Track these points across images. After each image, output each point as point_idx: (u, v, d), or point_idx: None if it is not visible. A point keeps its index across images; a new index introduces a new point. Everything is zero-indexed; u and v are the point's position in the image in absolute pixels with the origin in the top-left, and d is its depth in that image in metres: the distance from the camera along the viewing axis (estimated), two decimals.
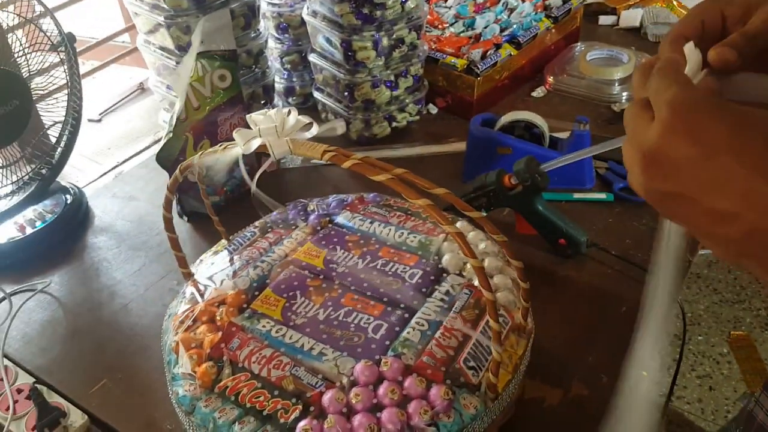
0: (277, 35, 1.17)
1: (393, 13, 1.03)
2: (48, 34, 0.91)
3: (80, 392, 0.74)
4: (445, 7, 1.33)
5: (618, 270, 0.86)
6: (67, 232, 0.98)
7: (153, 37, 1.01)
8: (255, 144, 0.56)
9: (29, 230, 0.95)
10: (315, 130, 0.58)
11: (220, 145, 0.60)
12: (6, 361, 0.77)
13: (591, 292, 0.83)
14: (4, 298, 0.86)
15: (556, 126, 1.02)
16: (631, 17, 1.46)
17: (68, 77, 0.97)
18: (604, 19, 1.49)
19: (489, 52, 1.17)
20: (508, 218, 0.91)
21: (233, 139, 0.58)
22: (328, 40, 1.07)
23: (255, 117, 0.57)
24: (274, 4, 1.14)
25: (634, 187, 0.39)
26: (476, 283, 0.67)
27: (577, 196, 0.98)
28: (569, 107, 1.20)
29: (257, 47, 1.05)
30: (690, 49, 0.42)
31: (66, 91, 0.99)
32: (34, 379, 0.75)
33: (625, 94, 1.20)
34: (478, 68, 1.14)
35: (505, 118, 1.00)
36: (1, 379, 0.74)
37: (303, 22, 1.16)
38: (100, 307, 0.86)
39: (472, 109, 1.17)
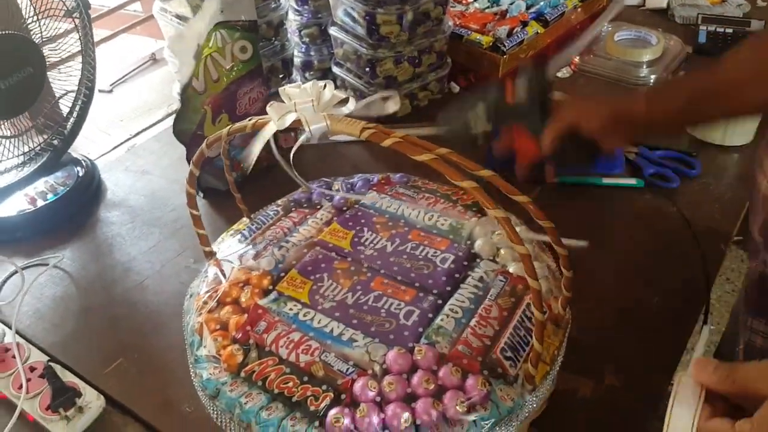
0: (296, 7, 1.13)
1: None
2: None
3: (95, 371, 0.72)
4: None
5: (649, 250, 0.83)
6: (79, 205, 0.95)
7: (169, 4, 0.97)
8: (290, 119, 0.53)
9: (40, 203, 0.92)
10: (352, 105, 0.55)
11: (250, 120, 0.57)
12: (18, 338, 0.75)
13: (620, 281, 0.81)
14: (15, 272, 0.84)
15: None
16: None
17: (82, 45, 0.93)
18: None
19: (515, 30, 1.14)
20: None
21: (252, 114, 0.55)
22: (350, 14, 1.03)
23: (289, 90, 0.54)
24: None
25: None
26: (511, 269, 0.64)
27: (606, 181, 0.95)
28: (595, 88, 1.16)
29: (277, 18, 1.01)
30: None
31: (79, 60, 0.95)
32: (47, 357, 0.72)
33: (652, 76, 1.17)
34: (504, 46, 1.10)
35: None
36: (14, 357, 0.72)
37: None
38: (114, 284, 0.83)
39: None
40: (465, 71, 1.17)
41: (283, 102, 0.54)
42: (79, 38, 0.92)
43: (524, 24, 1.15)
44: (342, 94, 0.54)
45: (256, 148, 0.55)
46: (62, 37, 0.90)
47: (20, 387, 0.69)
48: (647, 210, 0.91)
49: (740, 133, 1.00)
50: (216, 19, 0.87)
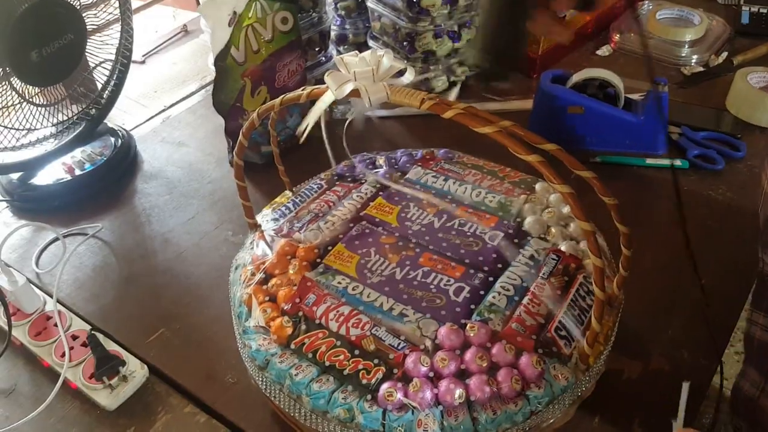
0: None
1: None
2: None
3: (137, 341, 0.72)
4: None
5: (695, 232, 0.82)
6: (117, 175, 0.95)
7: None
8: (348, 88, 0.51)
9: (78, 172, 0.92)
10: (411, 75, 0.54)
11: (303, 89, 0.56)
12: (59, 306, 0.75)
13: (666, 263, 0.79)
14: (55, 240, 0.84)
15: (630, 86, 0.96)
16: None
17: (121, 11, 0.92)
18: None
19: None
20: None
21: (291, 87, 0.54)
22: None
23: (348, 59, 0.53)
24: None
25: None
26: (563, 247, 0.63)
27: (650, 161, 0.93)
28: (636, 68, 1.14)
29: None
30: None
31: (117, 27, 0.94)
32: (89, 326, 0.72)
33: (695, 57, 1.14)
34: None
35: (578, 76, 0.94)
36: (56, 325, 0.72)
37: None
38: (155, 255, 0.83)
39: (535, 66, 1.11)
40: None
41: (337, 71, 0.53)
42: (118, 6, 0.91)
43: None
44: (400, 64, 0.53)
45: (311, 119, 0.54)
46: (102, 2, 0.88)
47: (63, 355, 0.69)
48: (692, 191, 0.89)
49: None
50: None
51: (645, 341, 0.70)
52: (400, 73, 0.53)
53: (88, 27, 0.87)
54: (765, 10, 1.25)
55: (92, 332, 0.70)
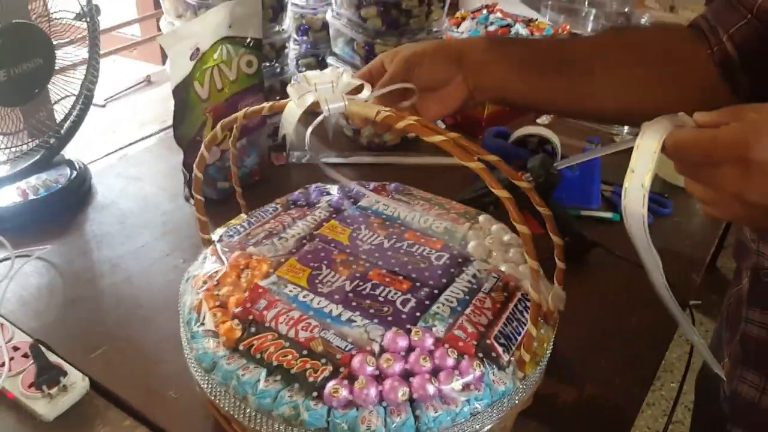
0: (296, 36, 1.19)
1: (417, 22, 1.06)
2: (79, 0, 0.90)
3: (79, 356, 0.71)
4: (458, 32, 1.37)
5: (625, 275, 0.87)
6: (70, 203, 0.95)
7: (179, 21, 1.01)
8: (309, 99, 0.56)
9: (31, 196, 0.92)
10: (367, 92, 0.58)
11: (268, 103, 0.60)
12: (2, 320, 0.73)
13: (600, 296, 0.84)
14: (7, 258, 0.83)
15: (567, 144, 1.04)
16: None
17: (89, 49, 0.96)
18: None
19: None
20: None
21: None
22: (350, 43, 1.09)
23: (309, 74, 0.57)
24: (297, 5, 1.16)
25: (720, 213, 0.49)
26: (503, 268, 0.67)
27: (584, 213, 1.00)
28: (573, 131, 1.23)
29: (280, 42, 1.06)
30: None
31: (83, 67, 0.98)
32: (31, 339, 0.71)
33: (626, 128, 1.24)
34: None
35: (519, 132, 1.02)
36: None
37: (324, 26, 1.18)
38: (102, 278, 0.83)
39: (480, 127, 1.19)
40: None
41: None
42: (87, 42, 0.95)
43: None
44: (357, 81, 0.58)
45: (287, 128, 0.57)
46: (75, 42, 0.92)
47: (2, 365, 0.67)
48: (624, 241, 0.95)
49: None
50: (223, 32, 0.91)
51: (579, 368, 0.74)
52: (357, 90, 0.58)
53: (57, 58, 0.90)
54: None
55: (36, 341, 0.69)
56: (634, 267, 0.90)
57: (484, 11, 1.43)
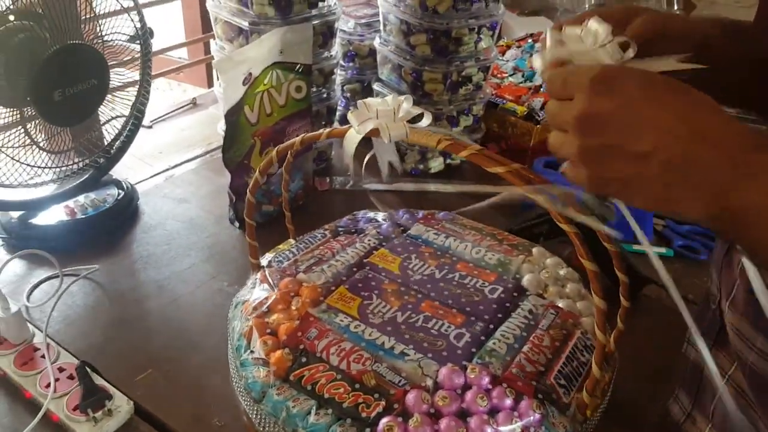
0: (342, 63, 1.19)
1: (466, 50, 1.05)
2: (133, 21, 0.91)
3: (125, 379, 0.70)
4: (503, 60, 1.36)
5: (680, 312, 0.84)
6: (117, 223, 0.96)
7: (230, 44, 1.02)
8: (370, 125, 0.55)
9: (79, 215, 0.93)
10: (428, 120, 0.57)
11: (327, 129, 0.59)
12: (48, 339, 0.73)
13: (655, 335, 0.81)
14: (50, 277, 0.83)
15: None
16: None
17: (141, 71, 0.97)
18: None
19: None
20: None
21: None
22: (397, 70, 1.08)
23: (370, 101, 0.56)
24: (345, 32, 1.16)
25: (566, 154, 0.47)
26: (560, 304, 0.65)
27: (636, 247, 0.96)
28: None
29: (329, 68, 1.06)
30: (598, 20, 0.48)
31: (135, 87, 0.99)
32: (77, 360, 0.71)
33: None
34: (538, 116, 1.15)
35: None
36: (43, 356, 0.71)
37: (370, 53, 1.18)
38: (148, 299, 0.83)
39: (526, 156, 1.17)
40: (497, 138, 1.21)
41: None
42: (140, 64, 0.96)
43: None
44: (418, 109, 0.57)
45: (347, 158, 0.56)
46: (127, 63, 0.93)
47: (47, 386, 0.67)
48: (677, 278, 0.92)
49: None
50: (274, 58, 0.91)
51: (637, 410, 0.71)
52: (419, 118, 0.57)
53: (111, 78, 0.91)
54: None
55: (82, 363, 0.68)
56: (689, 305, 0.88)
57: (530, 40, 1.42)
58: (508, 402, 0.54)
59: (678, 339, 0.81)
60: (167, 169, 1.12)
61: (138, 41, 0.95)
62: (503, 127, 1.20)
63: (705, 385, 0.63)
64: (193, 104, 1.36)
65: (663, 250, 0.97)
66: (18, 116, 0.84)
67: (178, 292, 0.84)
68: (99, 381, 0.68)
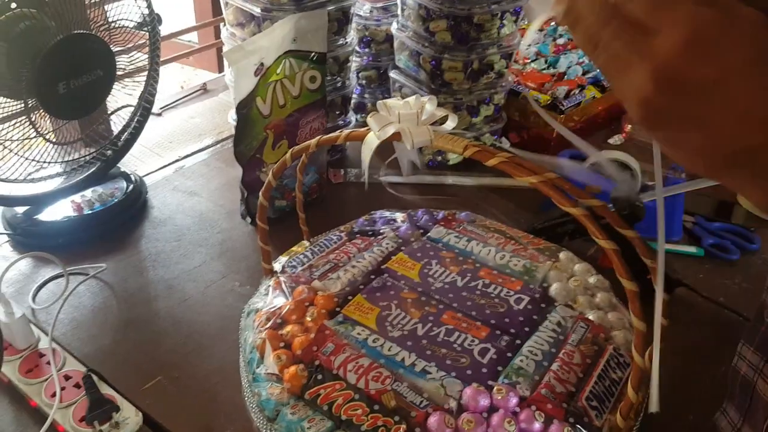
0: (358, 49, 1.14)
1: (488, 36, 1.00)
2: (140, 8, 0.87)
3: (133, 387, 0.68)
4: (524, 44, 1.30)
5: (711, 317, 0.80)
6: (125, 219, 0.93)
7: (241, 30, 0.98)
8: (391, 130, 0.51)
9: (86, 211, 0.90)
10: (453, 122, 0.53)
11: (341, 131, 0.55)
12: (54, 345, 0.71)
13: (685, 342, 0.77)
14: (55, 277, 0.81)
15: (644, 170, 0.97)
16: None
17: (149, 59, 0.93)
18: None
19: (573, 92, 1.14)
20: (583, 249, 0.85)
21: None
22: (415, 57, 1.04)
23: (391, 102, 0.52)
24: (360, 16, 1.11)
25: (630, 99, 0.34)
26: (591, 317, 0.61)
27: (667, 246, 0.92)
28: (648, 156, 1.15)
29: (344, 55, 1.01)
30: None
31: (144, 74, 0.95)
32: (84, 367, 0.68)
33: None
34: (562, 105, 1.10)
35: (597, 156, 0.95)
36: (49, 363, 0.68)
37: (387, 38, 1.13)
38: (156, 300, 0.80)
39: (549, 146, 1.12)
40: (519, 128, 1.17)
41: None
42: (148, 52, 0.92)
43: (581, 87, 1.15)
44: (443, 111, 0.53)
45: (365, 164, 0.53)
46: (134, 49, 0.89)
47: (53, 395, 0.64)
48: (708, 279, 0.88)
49: None
50: (287, 46, 0.86)
51: (665, 426, 0.67)
52: (442, 120, 0.53)
53: (117, 67, 0.87)
54: None
55: (89, 372, 0.66)
56: (721, 309, 0.84)
57: (553, 23, 1.36)
58: (537, 426, 0.50)
59: (709, 349, 0.78)
60: (177, 160, 1.08)
61: (146, 28, 0.91)
62: (525, 116, 1.15)
63: (757, 401, 0.59)
64: (204, 90, 1.32)
65: (693, 249, 0.92)
66: (22, 107, 0.81)
67: (188, 293, 0.81)
68: (106, 390, 0.65)
